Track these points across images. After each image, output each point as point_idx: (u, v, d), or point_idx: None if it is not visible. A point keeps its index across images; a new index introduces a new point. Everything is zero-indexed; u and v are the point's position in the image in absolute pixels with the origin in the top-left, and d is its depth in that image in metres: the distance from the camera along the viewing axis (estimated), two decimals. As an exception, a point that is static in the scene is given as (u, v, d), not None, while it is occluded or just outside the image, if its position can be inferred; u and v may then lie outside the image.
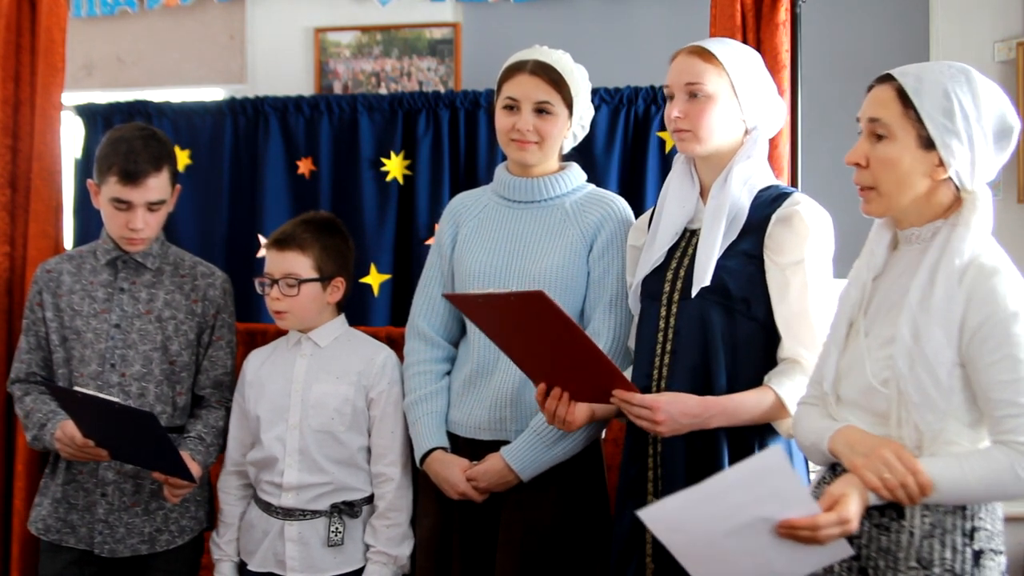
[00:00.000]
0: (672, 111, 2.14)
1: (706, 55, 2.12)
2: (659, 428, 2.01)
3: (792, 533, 1.63)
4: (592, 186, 2.45)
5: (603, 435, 2.45)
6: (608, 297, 2.31)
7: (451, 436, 2.39)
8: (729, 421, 2.05)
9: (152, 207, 2.47)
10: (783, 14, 2.65)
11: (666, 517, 1.70)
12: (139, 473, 2.48)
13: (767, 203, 2.12)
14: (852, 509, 1.65)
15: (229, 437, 2.57)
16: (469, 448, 2.35)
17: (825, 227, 2.10)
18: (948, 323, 1.69)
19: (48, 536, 2.53)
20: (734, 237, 2.10)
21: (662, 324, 2.15)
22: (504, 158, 2.46)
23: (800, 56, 2.69)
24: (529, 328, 1.95)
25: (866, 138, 1.80)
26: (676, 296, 2.14)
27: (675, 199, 2.20)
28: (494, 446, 2.31)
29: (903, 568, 1.74)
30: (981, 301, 1.68)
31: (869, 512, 1.75)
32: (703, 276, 2.07)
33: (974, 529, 1.72)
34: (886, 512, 1.76)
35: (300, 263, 2.46)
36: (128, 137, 2.48)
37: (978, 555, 1.72)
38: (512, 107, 2.33)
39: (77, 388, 2.40)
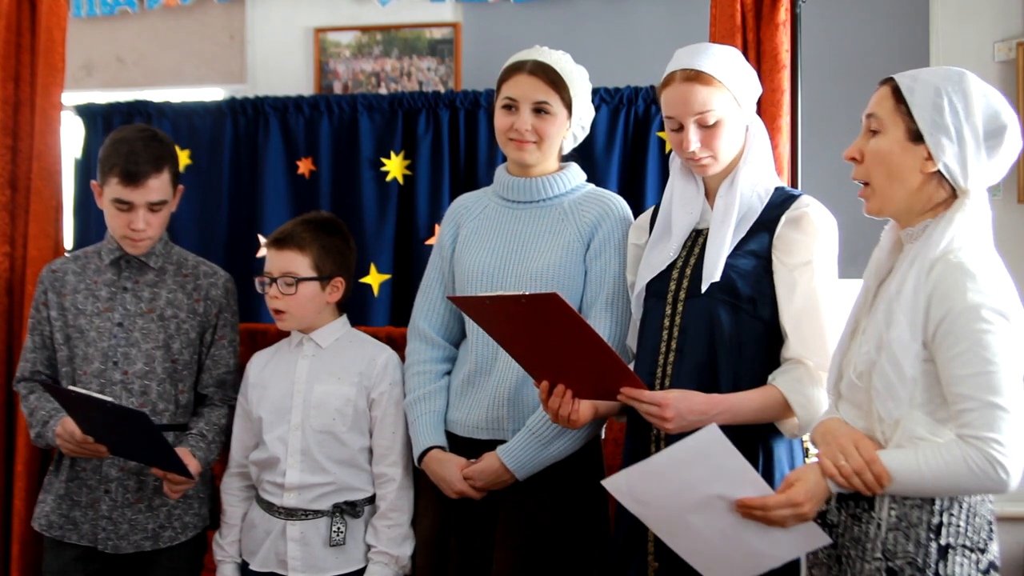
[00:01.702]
0: (687, 143, 2.10)
1: (704, 78, 2.09)
2: (667, 425, 2.01)
3: (748, 512, 1.73)
4: (591, 186, 2.45)
5: (603, 435, 2.45)
6: (605, 295, 2.31)
7: (450, 435, 2.39)
8: (734, 419, 2.05)
9: (153, 208, 2.48)
10: (783, 14, 2.66)
11: (626, 487, 1.82)
12: (142, 470, 2.49)
13: (776, 204, 2.13)
14: (801, 492, 1.72)
15: (232, 439, 2.58)
16: (467, 447, 2.35)
17: (833, 230, 2.12)
18: (913, 315, 1.72)
19: (51, 532, 2.54)
20: (743, 235, 2.11)
21: (667, 323, 2.15)
22: (504, 159, 2.46)
23: (800, 56, 2.69)
24: (536, 328, 1.95)
25: (863, 134, 1.85)
26: (682, 295, 2.14)
27: (680, 204, 2.20)
28: (492, 446, 2.30)
29: (869, 558, 1.77)
30: (944, 295, 1.70)
31: (846, 502, 1.81)
32: (713, 272, 2.08)
33: (940, 524, 1.74)
34: (859, 503, 1.79)
35: (298, 262, 2.46)
36: (129, 138, 2.48)
37: (945, 550, 1.73)
38: (511, 107, 2.33)
39: (71, 387, 2.41)
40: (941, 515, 1.74)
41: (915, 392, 1.73)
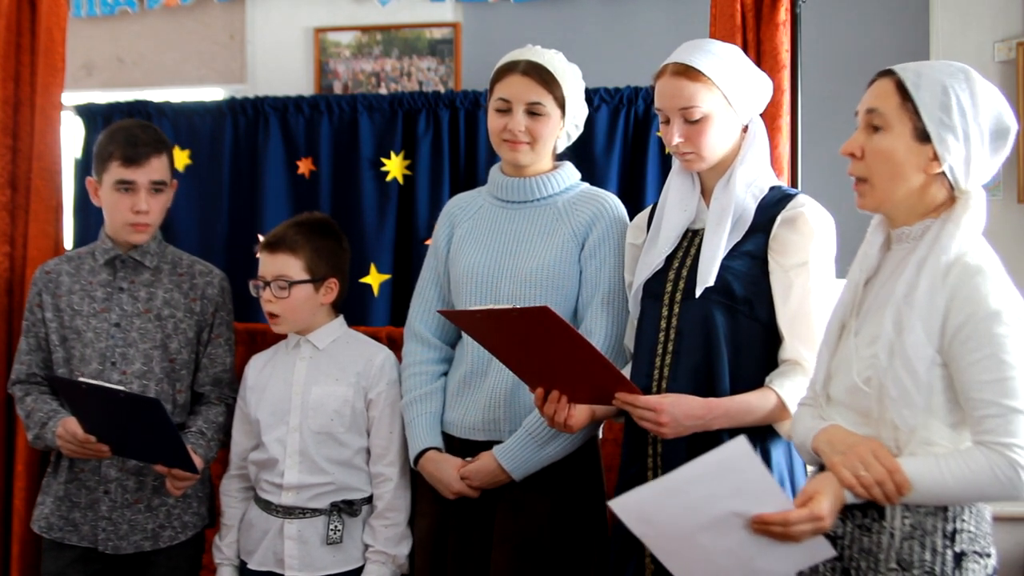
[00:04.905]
0: (672, 136, 2.11)
1: (693, 74, 2.08)
2: (663, 430, 2.00)
3: (765, 529, 1.63)
4: (585, 184, 2.45)
5: (601, 435, 2.45)
6: (601, 295, 2.30)
7: (447, 436, 2.39)
8: (731, 423, 2.04)
9: (156, 187, 2.50)
10: (783, 14, 2.65)
11: (636, 507, 1.70)
12: (142, 470, 2.49)
13: (771, 204, 2.11)
14: (824, 506, 1.65)
15: (232, 442, 2.58)
16: (464, 449, 2.35)
17: (829, 229, 2.10)
18: (929, 320, 1.69)
19: (51, 534, 2.54)
20: (739, 238, 2.10)
21: (663, 324, 2.14)
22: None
23: (800, 56, 2.69)
24: (528, 339, 1.95)
25: (863, 129, 1.80)
26: (678, 296, 2.13)
27: (675, 202, 2.19)
28: (488, 447, 2.30)
29: (883, 569, 1.73)
30: (963, 300, 1.67)
31: (852, 512, 1.76)
32: (707, 276, 2.06)
33: (955, 531, 1.71)
34: (868, 512, 1.75)
35: (291, 265, 2.46)
36: (126, 126, 2.56)
37: (960, 557, 1.71)
38: (504, 108, 2.33)
39: (82, 379, 2.41)
40: (955, 521, 1.71)
41: (931, 399, 1.69)
